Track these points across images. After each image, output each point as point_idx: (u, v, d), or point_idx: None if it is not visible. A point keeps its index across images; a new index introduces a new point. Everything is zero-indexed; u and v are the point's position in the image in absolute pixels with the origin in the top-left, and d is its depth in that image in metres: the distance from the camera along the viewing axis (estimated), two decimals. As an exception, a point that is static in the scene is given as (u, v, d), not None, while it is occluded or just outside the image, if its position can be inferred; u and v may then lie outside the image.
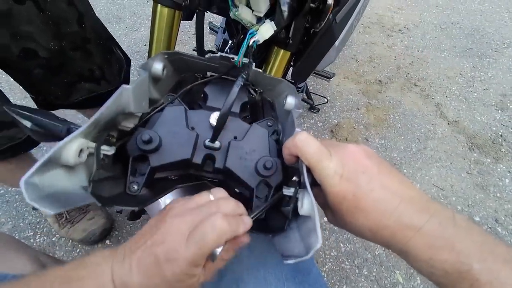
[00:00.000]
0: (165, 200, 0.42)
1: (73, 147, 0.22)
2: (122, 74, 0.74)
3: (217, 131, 0.29)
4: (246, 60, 0.37)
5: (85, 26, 0.60)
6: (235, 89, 0.28)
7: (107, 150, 0.26)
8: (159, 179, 0.30)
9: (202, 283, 0.26)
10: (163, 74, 0.32)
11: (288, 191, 0.28)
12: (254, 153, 0.30)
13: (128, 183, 0.28)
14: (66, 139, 0.22)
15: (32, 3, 0.51)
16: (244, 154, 0.30)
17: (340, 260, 0.97)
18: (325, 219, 1.05)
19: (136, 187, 0.28)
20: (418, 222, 0.25)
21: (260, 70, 0.38)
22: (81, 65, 0.63)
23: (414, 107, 1.44)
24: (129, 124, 0.30)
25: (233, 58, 0.37)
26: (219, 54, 0.36)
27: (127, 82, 0.76)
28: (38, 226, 0.95)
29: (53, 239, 0.93)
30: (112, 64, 0.70)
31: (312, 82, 1.50)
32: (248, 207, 0.30)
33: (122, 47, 0.78)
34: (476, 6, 2.10)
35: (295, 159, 0.30)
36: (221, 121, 0.27)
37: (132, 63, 0.85)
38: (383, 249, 0.99)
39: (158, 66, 0.32)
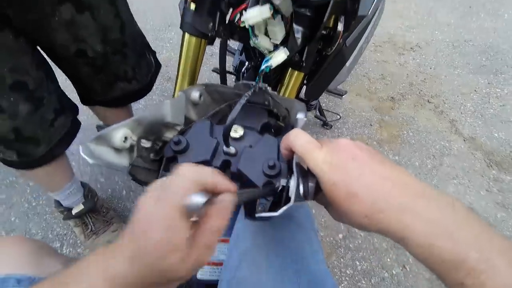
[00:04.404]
0: None
1: (119, 133, 0.30)
2: (149, 76, 0.85)
3: (225, 136, 0.34)
4: (262, 85, 0.42)
5: (125, 32, 0.72)
6: (238, 106, 0.33)
7: (145, 143, 0.34)
8: None
9: (202, 261, 0.24)
10: (200, 100, 0.39)
11: (283, 181, 0.32)
12: (264, 157, 0.33)
13: (160, 175, 0.34)
14: (114, 125, 0.30)
15: (88, 13, 0.62)
16: (255, 158, 0.34)
17: (356, 279, 0.95)
18: (340, 236, 1.04)
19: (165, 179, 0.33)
20: (415, 206, 0.24)
21: (275, 92, 0.43)
22: (118, 67, 0.75)
23: (428, 124, 1.44)
24: (170, 136, 0.37)
25: (252, 84, 0.42)
26: (241, 82, 0.42)
27: (153, 84, 0.88)
28: (65, 238, 1.00)
29: (78, 250, 0.98)
30: (142, 67, 0.81)
31: (324, 99, 1.54)
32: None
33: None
34: (489, 24, 2.11)
35: (291, 154, 0.33)
36: (226, 129, 0.32)
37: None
38: (400, 267, 0.97)
39: (195, 94, 0.39)
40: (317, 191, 0.32)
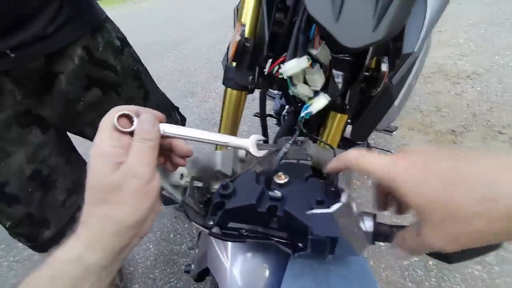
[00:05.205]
0: (229, 254, 0.46)
1: (177, 170, 0.35)
2: None
3: (267, 179, 0.36)
4: (302, 139, 0.43)
5: (148, 100, 0.79)
6: (276, 161, 0.36)
7: (197, 183, 0.38)
8: (232, 229, 0.36)
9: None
10: (246, 157, 0.42)
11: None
12: (310, 196, 0.33)
13: (207, 218, 0.35)
14: None
15: (113, 92, 0.69)
16: (301, 198, 0.34)
17: None
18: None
19: (211, 222, 0.35)
20: None
21: (315, 144, 0.43)
22: None
23: (504, 158, 1.23)
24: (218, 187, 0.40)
25: (293, 140, 0.42)
26: (284, 138, 0.43)
27: None
28: None
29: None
30: None
31: (372, 135, 1.45)
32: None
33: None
34: None
35: (337, 171, 0.32)
36: (269, 175, 0.36)
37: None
38: None
39: (242, 152, 0.42)
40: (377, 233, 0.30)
